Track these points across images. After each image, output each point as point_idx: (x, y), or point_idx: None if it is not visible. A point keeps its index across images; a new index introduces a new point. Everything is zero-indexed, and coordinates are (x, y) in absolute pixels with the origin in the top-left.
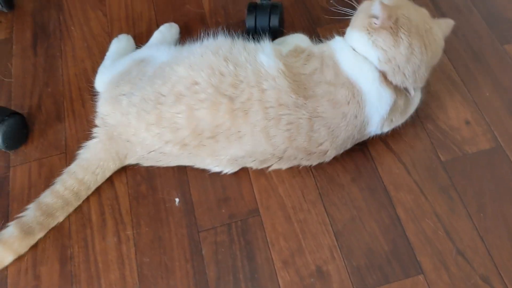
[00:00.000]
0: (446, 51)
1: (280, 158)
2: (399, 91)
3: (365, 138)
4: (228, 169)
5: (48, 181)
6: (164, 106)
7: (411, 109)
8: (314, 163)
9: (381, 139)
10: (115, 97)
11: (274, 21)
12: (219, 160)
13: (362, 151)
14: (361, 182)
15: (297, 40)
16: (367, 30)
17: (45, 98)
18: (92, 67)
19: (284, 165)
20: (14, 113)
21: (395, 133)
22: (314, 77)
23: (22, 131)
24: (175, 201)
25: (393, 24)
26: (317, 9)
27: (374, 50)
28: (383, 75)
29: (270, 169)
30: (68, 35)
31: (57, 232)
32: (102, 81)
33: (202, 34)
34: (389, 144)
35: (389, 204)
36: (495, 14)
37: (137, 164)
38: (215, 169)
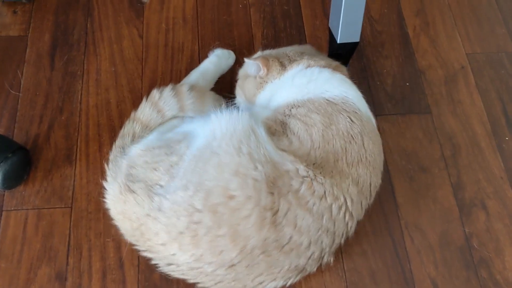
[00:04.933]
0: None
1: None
2: None
3: None
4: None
5: (46, 240)
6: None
7: None
8: None
9: (430, 278)
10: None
11: None
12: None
13: None
14: None
15: None
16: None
17: (56, 128)
18: (116, 101)
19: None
20: (18, 149)
21: (446, 273)
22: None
23: (24, 168)
24: None
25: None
26: None
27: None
28: None
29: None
30: (94, 51)
31: None
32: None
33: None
34: (438, 286)
35: None
36: None
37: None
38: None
